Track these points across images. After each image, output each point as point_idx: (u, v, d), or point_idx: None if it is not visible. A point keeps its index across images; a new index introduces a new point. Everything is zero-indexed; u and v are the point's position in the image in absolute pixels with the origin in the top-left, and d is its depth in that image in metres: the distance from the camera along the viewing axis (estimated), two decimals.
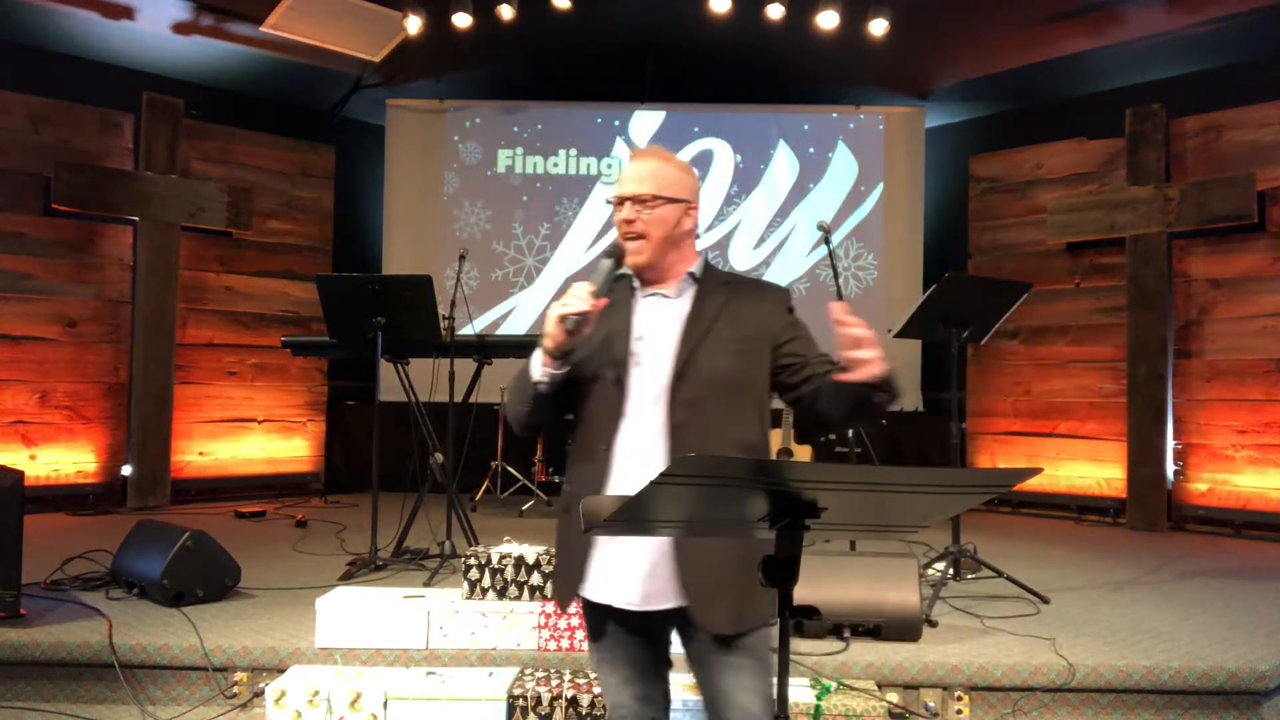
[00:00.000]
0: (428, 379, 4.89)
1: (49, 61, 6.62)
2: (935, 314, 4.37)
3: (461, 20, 6.62)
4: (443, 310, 4.71)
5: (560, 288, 7.55)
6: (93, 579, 4.08)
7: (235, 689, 3.24)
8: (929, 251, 7.94)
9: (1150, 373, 6.65)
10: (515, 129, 8.08)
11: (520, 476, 7.02)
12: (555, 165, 8.09)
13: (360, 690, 3.05)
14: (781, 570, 1.51)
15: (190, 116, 7.10)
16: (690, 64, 7.68)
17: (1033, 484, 6.84)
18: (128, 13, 6.46)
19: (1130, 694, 3.18)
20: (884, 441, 7.11)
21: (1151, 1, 6.25)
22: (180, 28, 6.68)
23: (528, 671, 3.23)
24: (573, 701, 3.03)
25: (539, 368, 1.96)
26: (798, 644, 3.28)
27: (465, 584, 3.45)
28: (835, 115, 8.07)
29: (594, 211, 8.09)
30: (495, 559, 3.44)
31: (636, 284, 2.07)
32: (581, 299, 1.88)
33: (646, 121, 8.07)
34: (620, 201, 2.02)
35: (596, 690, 3.04)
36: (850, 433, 4.89)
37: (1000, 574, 4.22)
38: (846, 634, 3.40)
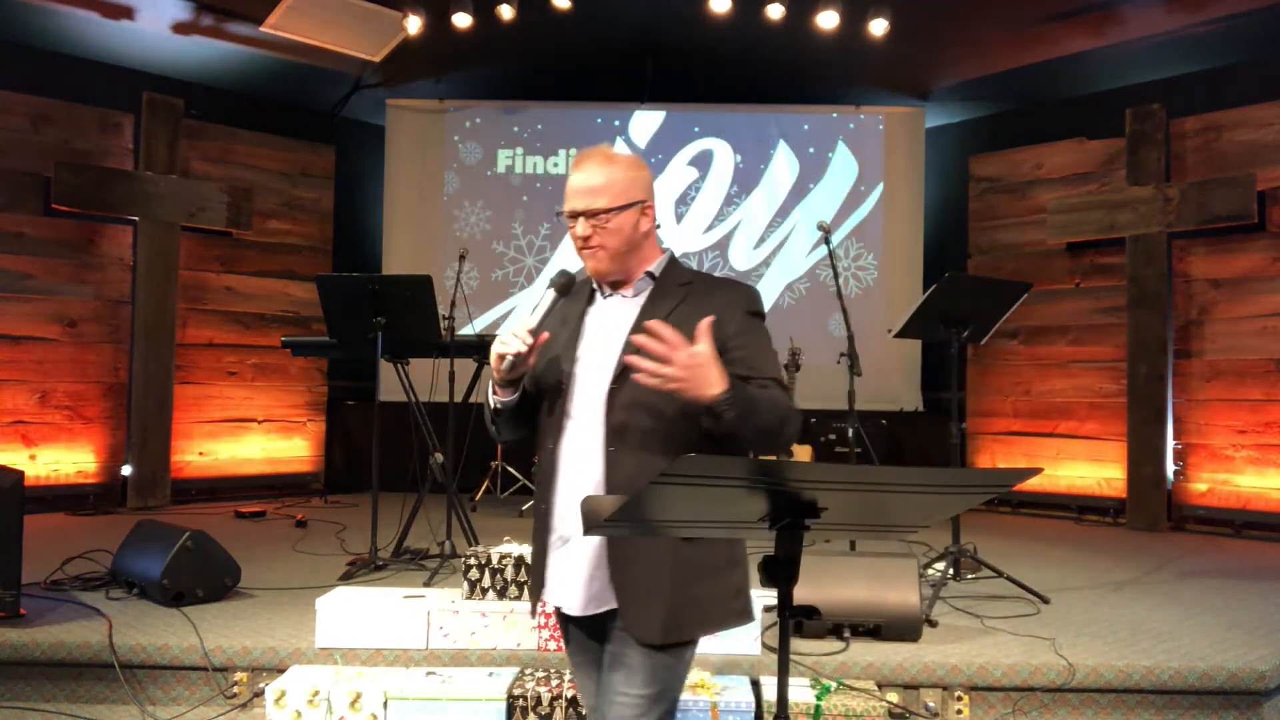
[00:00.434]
0: (428, 379, 4.89)
1: (49, 61, 6.62)
2: (935, 314, 4.37)
3: (461, 20, 6.62)
4: (443, 310, 4.71)
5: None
6: (93, 579, 4.08)
7: (235, 689, 3.24)
8: (929, 251, 7.94)
9: (1150, 373, 6.65)
10: (515, 129, 8.08)
11: (520, 476, 7.02)
12: (555, 165, 8.09)
13: (360, 690, 3.05)
14: (781, 570, 1.51)
15: (190, 116, 7.11)
16: (690, 64, 7.68)
17: (1033, 484, 6.84)
18: (128, 13, 6.46)
19: (1130, 694, 3.18)
20: (884, 441, 7.11)
21: (1151, 1, 6.25)
22: (180, 28, 6.68)
23: (528, 671, 3.23)
24: (573, 701, 3.03)
25: (492, 396, 1.98)
26: (798, 644, 3.28)
27: (465, 584, 3.45)
28: (835, 115, 8.06)
29: None
30: (495, 559, 3.44)
31: (596, 285, 2.04)
32: (520, 338, 1.87)
33: (646, 121, 8.07)
34: (573, 216, 1.96)
35: None
36: (850, 432, 4.89)
37: (1000, 574, 4.22)
38: (846, 634, 3.40)
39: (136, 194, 6.75)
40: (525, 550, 3.48)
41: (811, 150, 8.05)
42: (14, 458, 6.21)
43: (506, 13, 6.61)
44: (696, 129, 8.09)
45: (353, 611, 3.34)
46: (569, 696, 3.04)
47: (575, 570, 1.91)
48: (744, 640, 3.29)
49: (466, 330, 5.83)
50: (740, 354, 1.90)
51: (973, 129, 8.06)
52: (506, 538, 3.77)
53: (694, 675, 3.15)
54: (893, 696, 3.13)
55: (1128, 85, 6.98)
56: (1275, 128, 6.33)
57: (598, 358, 1.94)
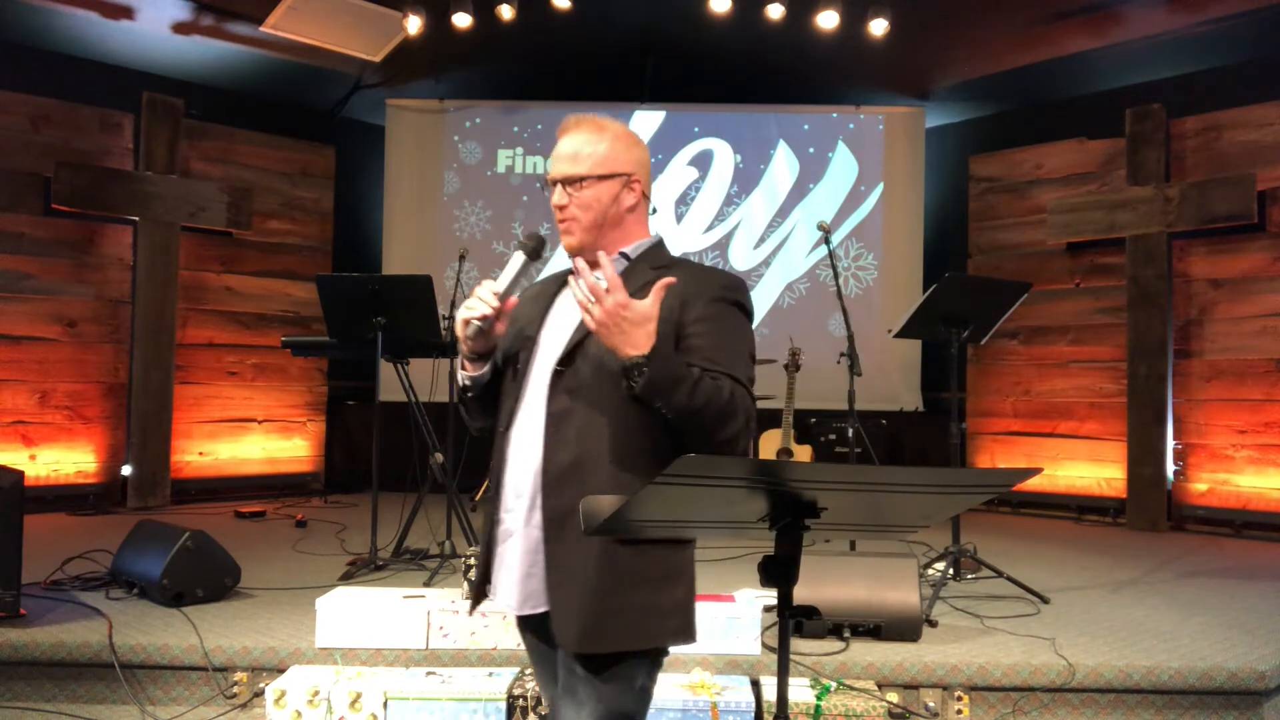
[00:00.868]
0: (428, 379, 4.89)
1: (49, 61, 6.62)
2: (935, 314, 4.37)
3: (461, 20, 6.62)
4: (443, 310, 4.71)
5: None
6: (93, 579, 4.07)
7: (235, 689, 3.24)
8: (929, 251, 7.94)
9: (1150, 373, 6.65)
10: (515, 129, 8.08)
11: None
12: None
13: (360, 690, 3.05)
14: (781, 570, 1.51)
15: (190, 116, 7.11)
16: (690, 64, 7.68)
17: (1033, 484, 6.84)
18: (128, 13, 6.46)
19: (1130, 694, 3.18)
20: (884, 441, 7.11)
21: (1151, 1, 6.25)
22: (180, 28, 6.68)
23: (528, 671, 3.23)
24: None
25: (461, 372, 1.89)
26: (798, 644, 3.28)
27: (465, 584, 3.45)
28: (835, 115, 8.06)
29: None
30: None
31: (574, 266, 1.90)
32: (485, 301, 1.75)
33: (646, 121, 8.07)
34: (553, 184, 1.85)
35: None
36: (850, 432, 4.89)
37: (1000, 574, 4.22)
38: (846, 634, 3.40)
39: (136, 194, 6.75)
40: None
41: (811, 150, 8.05)
42: (14, 458, 6.21)
43: (506, 13, 6.62)
44: (696, 129, 8.09)
45: (353, 611, 3.34)
46: None
47: (514, 565, 1.81)
48: (744, 640, 3.29)
49: None
50: (698, 341, 1.75)
51: (973, 129, 8.06)
52: None
53: (694, 675, 3.15)
54: (893, 696, 3.13)
55: (1128, 85, 6.98)
56: (1275, 128, 6.33)
57: (555, 340, 1.83)
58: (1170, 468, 6.60)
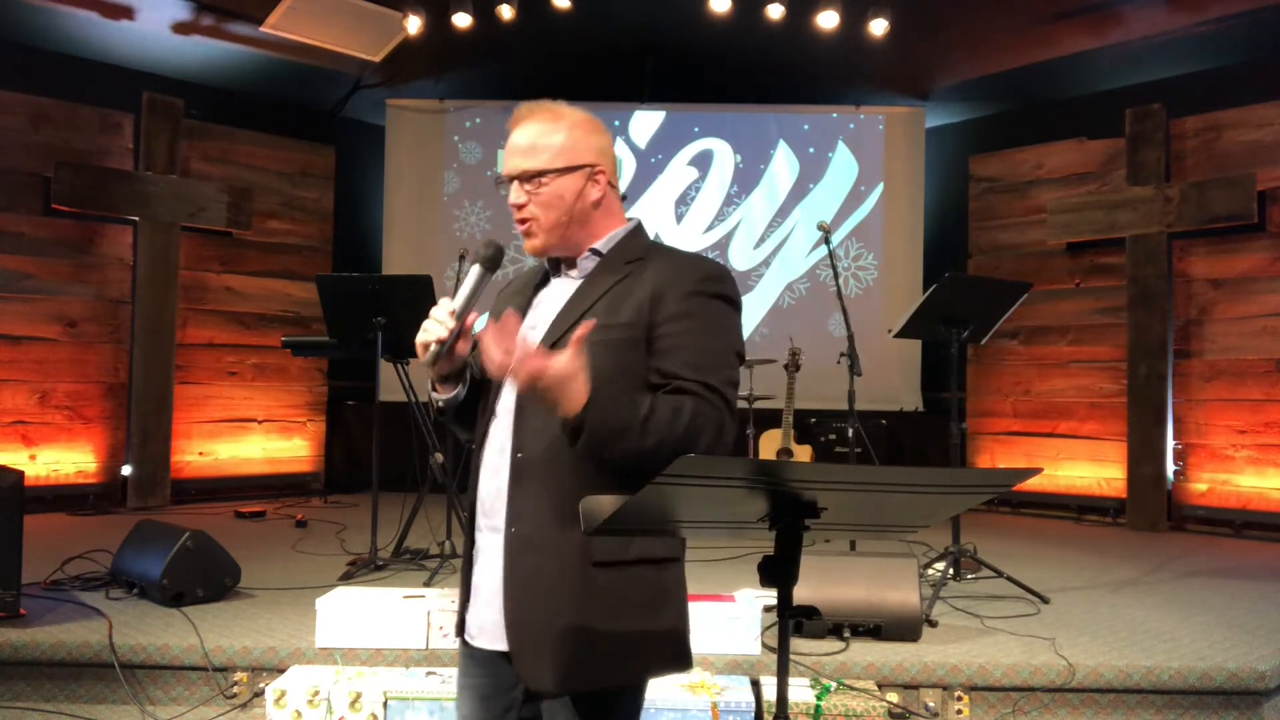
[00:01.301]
0: (428, 379, 4.88)
1: (49, 61, 6.62)
2: (935, 314, 4.37)
3: (461, 20, 6.62)
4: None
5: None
6: (93, 579, 4.07)
7: (235, 689, 3.24)
8: (929, 251, 7.94)
9: (1150, 373, 6.65)
10: None
11: None
12: None
13: (360, 690, 3.05)
14: (781, 570, 1.51)
15: (190, 116, 7.11)
16: (690, 64, 7.68)
17: (1033, 484, 6.84)
18: (128, 13, 6.45)
19: (1130, 694, 3.18)
20: (884, 441, 7.12)
21: (1151, 1, 6.25)
22: (180, 28, 6.68)
23: None
24: None
25: (432, 393, 1.74)
26: (798, 644, 3.28)
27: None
28: (835, 115, 8.06)
29: None
30: None
31: (547, 265, 1.78)
32: (442, 322, 1.60)
33: (646, 121, 8.07)
34: (508, 180, 1.69)
35: None
36: (850, 432, 4.89)
37: (1000, 574, 4.22)
38: (846, 634, 3.40)
39: (136, 194, 6.75)
40: None
41: (811, 150, 8.05)
42: (14, 458, 6.21)
43: (506, 13, 6.61)
44: (696, 129, 8.09)
45: (353, 611, 3.34)
46: None
47: (481, 588, 1.67)
48: (744, 640, 3.29)
49: None
50: (671, 342, 1.59)
51: (973, 129, 8.05)
52: None
53: (694, 675, 3.15)
54: (893, 696, 3.13)
55: (1128, 85, 6.98)
56: (1275, 128, 6.33)
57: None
58: (1170, 468, 6.60)
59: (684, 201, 8.06)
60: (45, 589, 3.92)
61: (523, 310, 1.75)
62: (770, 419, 6.27)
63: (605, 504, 1.48)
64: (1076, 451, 7.10)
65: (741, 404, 6.38)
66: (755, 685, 3.17)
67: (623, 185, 7.99)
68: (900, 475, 1.43)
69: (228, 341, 7.39)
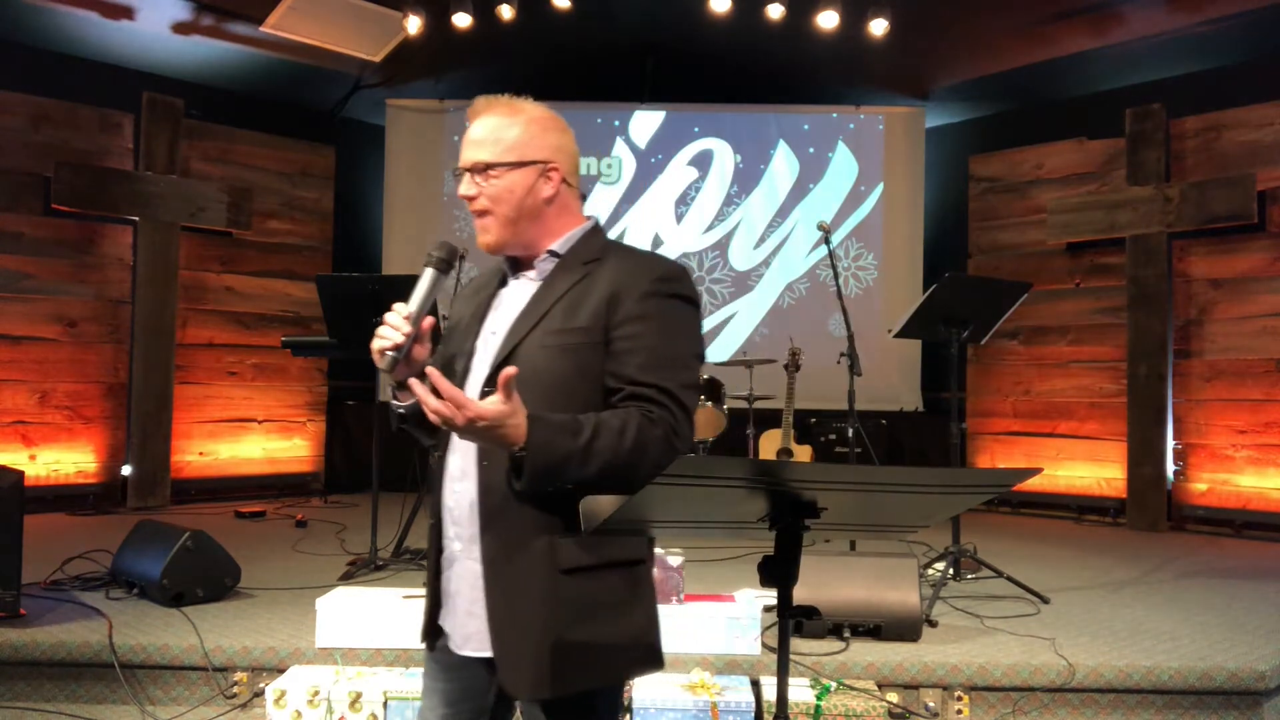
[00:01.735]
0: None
1: (49, 61, 6.62)
2: (935, 314, 4.37)
3: (461, 20, 6.62)
4: (443, 310, 4.70)
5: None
6: (93, 579, 4.07)
7: (235, 689, 3.24)
8: (929, 251, 7.94)
9: (1150, 373, 6.65)
10: None
11: None
12: None
13: (360, 690, 3.05)
14: (781, 570, 1.51)
15: (190, 116, 7.11)
16: (690, 64, 7.68)
17: (1033, 484, 6.84)
18: (128, 13, 6.46)
19: (1130, 694, 3.18)
20: (884, 441, 7.12)
21: (1151, 1, 6.25)
22: (180, 28, 6.68)
23: None
24: None
25: (393, 403, 1.71)
26: (798, 644, 3.28)
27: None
28: (835, 115, 8.06)
29: (594, 211, 8.09)
30: None
31: (506, 266, 1.77)
32: (396, 327, 1.59)
33: (646, 121, 8.07)
34: (461, 172, 1.70)
35: None
36: (850, 432, 4.89)
37: (1000, 574, 4.22)
38: (846, 634, 3.40)
39: (136, 194, 6.75)
40: None
41: (811, 150, 8.05)
42: (14, 458, 6.21)
43: (506, 13, 6.61)
44: (696, 129, 8.09)
45: (353, 611, 3.34)
46: None
47: (460, 596, 1.67)
48: (744, 640, 3.29)
49: None
50: (625, 345, 1.58)
51: (973, 129, 8.05)
52: None
53: (694, 675, 3.15)
54: (893, 696, 3.13)
55: (1128, 85, 6.98)
56: (1275, 128, 6.33)
57: (487, 352, 1.67)
58: (1170, 468, 6.60)
59: (684, 201, 8.06)
60: (45, 589, 3.92)
61: (482, 313, 1.74)
62: (770, 419, 6.27)
63: (605, 504, 1.48)
64: (1076, 451, 7.10)
65: (741, 404, 6.38)
66: (755, 685, 3.17)
67: (623, 185, 8.05)
68: (900, 475, 1.43)
69: (228, 341, 7.39)
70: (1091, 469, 7.03)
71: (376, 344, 1.59)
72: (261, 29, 6.76)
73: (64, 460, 6.59)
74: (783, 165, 8.06)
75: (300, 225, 7.78)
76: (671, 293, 1.63)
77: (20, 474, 3.51)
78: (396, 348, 1.58)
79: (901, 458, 7.60)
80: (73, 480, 6.61)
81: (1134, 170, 6.81)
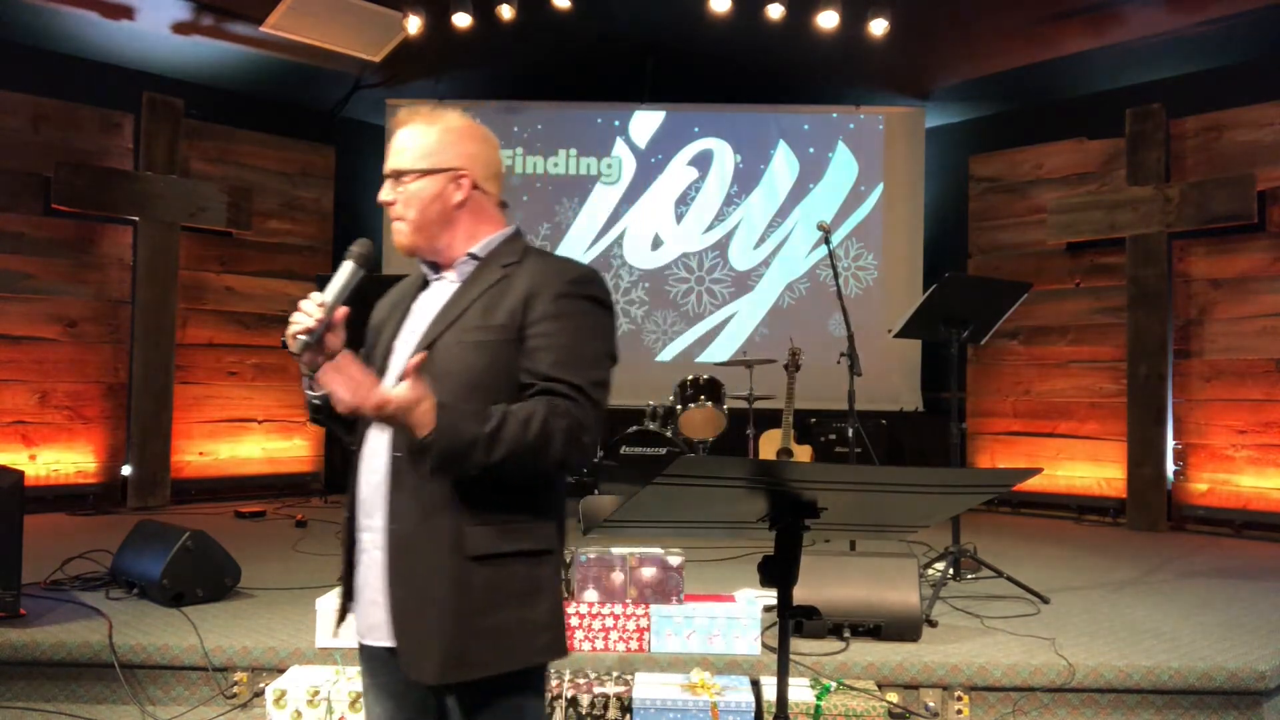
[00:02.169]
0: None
1: (49, 61, 6.62)
2: (935, 314, 4.37)
3: (461, 20, 6.62)
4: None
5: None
6: (93, 579, 4.07)
7: (235, 689, 3.24)
8: (929, 251, 7.94)
9: (1150, 373, 6.65)
10: (515, 129, 8.08)
11: None
12: (555, 165, 8.09)
13: (360, 690, 3.05)
14: (781, 570, 1.51)
15: (190, 116, 7.11)
16: (690, 64, 7.68)
17: (1033, 484, 6.84)
18: (128, 13, 6.46)
19: (1130, 694, 3.18)
20: (884, 441, 7.12)
21: (1151, 1, 6.25)
22: (180, 28, 6.68)
23: None
24: (573, 701, 3.03)
25: (308, 393, 1.74)
26: (798, 644, 3.28)
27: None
28: (835, 115, 8.06)
29: (594, 211, 8.09)
30: None
31: (425, 269, 1.84)
32: (309, 313, 1.61)
33: (646, 121, 8.07)
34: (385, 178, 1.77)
35: (597, 690, 3.04)
36: (850, 432, 4.89)
37: (1000, 574, 4.22)
38: (846, 634, 3.40)
39: (136, 194, 6.75)
40: None
41: (811, 150, 8.05)
42: (14, 458, 6.21)
43: (506, 13, 6.62)
44: (696, 129, 8.09)
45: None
46: (569, 696, 3.03)
47: (365, 587, 1.74)
48: (744, 640, 3.29)
49: None
50: (538, 343, 1.65)
51: (973, 129, 8.06)
52: None
53: (694, 675, 3.15)
54: (893, 696, 3.13)
55: (1128, 85, 6.98)
56: (1275, 128, 6.33)
57: (405, 351, 1.74)
58: (1170, 468, 6.60)
59: (684, 201, 8.07)
60: (45, 589, 3.92)
61: (402, 314, 1.81)
62: (770, 419, 6.27)
63: (604, 504, 1.48)
64: (1076, 451, 7.10)
65: (741, 404, 6.38)
66: (755, 685, 3.17)
67: (623, 185, 8.05)
68: (900, 475, 1.43)
69: (228, 341, 7.39)
70: (1091, 469, 7.03)
71: (290, 329, 1.62)
72: (261, 29, 6.77)
73: (64, 460, 6.59)
74: (783, 165, 8.06)
75: (300, 225, 7.78)
76: (584, 294, 1.70)
77: (20, 474, 3.51)
78: (308, 331, 1.61)
79: (901, 458, 7.60)
80: (73, 480, 6.61)
81: (1134, 170, 6.81)
